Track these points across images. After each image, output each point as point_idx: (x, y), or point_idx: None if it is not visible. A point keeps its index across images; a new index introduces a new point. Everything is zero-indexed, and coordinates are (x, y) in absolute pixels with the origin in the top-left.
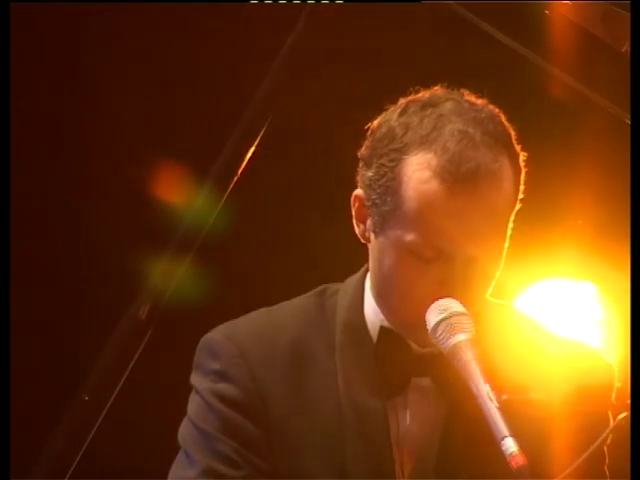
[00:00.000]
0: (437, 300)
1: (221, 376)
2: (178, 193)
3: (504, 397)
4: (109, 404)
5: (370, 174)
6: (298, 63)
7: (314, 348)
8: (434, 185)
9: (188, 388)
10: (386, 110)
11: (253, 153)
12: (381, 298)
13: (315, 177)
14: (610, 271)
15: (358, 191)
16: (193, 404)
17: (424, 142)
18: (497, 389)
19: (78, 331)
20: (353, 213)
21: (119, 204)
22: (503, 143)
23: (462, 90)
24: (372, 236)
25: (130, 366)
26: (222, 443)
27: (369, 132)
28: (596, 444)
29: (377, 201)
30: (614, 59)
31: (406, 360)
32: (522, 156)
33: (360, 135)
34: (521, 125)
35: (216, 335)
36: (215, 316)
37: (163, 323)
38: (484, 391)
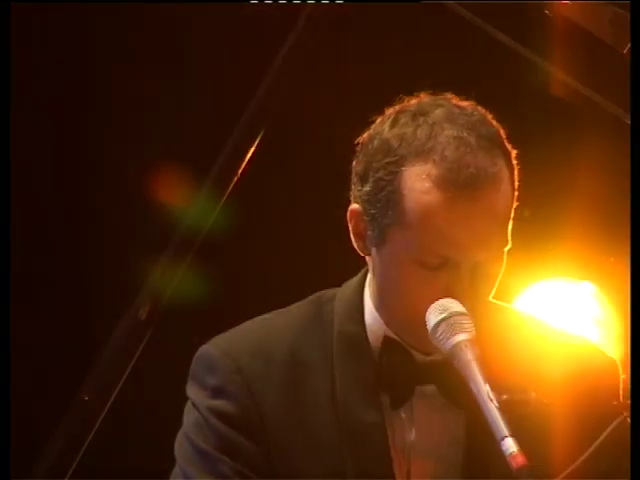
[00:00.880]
0: (437, 300)
1: (218, 392)
2: (178, 194)
3: (504, 397)
4: (109, 404)
5: (367, 189)
6: (298, 63)
7: (311, 358)
8: (436, 195)
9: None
10: (373, 122)
11: (253, 153)
12: (385, 308)
13: (315, 177)
14: (609, 271)
15: (354, 206)
16: (190, 418)
17: (421, 152)
18: (497, 389)
19: (78, 331)
20: (350, 228)
21: (119, 204)
22: (497, 144)
23: (447, 94)
24: (373, 250)
25: (130, 366)
26: (221, 463)
27: (359, 146)
28: (596, 444)
29: (377, 215)
30: (617, 61)
31: (410, 369)
32: (513, 153)
33: (360, 135)
34: (522, 125)
35: (213, 350)
36: (215, 316)
37: (163, 323)
38: (484, 391)
